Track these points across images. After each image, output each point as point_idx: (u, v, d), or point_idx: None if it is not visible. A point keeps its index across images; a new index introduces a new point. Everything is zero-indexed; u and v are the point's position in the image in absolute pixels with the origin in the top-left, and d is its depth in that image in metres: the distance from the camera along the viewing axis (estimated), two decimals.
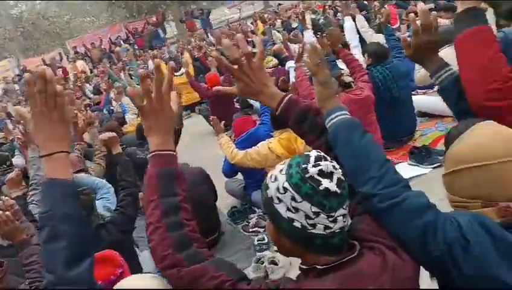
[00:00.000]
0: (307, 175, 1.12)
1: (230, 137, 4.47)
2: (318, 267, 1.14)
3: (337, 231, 1.15)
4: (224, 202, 4.42)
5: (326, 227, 1.13)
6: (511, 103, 1.30)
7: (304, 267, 1.19)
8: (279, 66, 7.08)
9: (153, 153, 1.28)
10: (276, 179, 1.17)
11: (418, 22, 1.59)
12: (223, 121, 4.23)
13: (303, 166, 1.14)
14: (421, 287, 1.21)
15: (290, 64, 6.07)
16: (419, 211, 1.18)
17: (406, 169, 4.08)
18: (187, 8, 26.34)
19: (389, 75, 4.33)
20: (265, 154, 3.57)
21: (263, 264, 3.03)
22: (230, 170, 4.23)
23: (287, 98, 1.47)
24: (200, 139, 7.25)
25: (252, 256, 3.29)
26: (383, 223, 1.22)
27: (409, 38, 1.67)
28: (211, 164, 4.43)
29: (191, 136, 7.31)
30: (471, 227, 1.13)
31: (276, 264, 3.00)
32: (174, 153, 1.30)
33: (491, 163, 1.18)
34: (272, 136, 3.78)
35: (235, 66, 1.43)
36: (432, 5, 5.59)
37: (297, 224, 1.13)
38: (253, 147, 3.71)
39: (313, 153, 1.18)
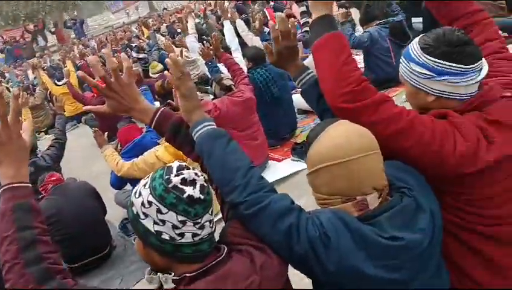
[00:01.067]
0: (170, 185, 1.13)
1: (116, 147, 4.37)
2: (188, 275, 1.16)
3: (206, 237, 1.17)
4: (116, 214, 4.31)
5: (194, 234, 1.15)
6: (364, 104, 1.38)
7: (175, 278, 1.18)
8: (165, 72, 7.02)
9: (6, 187, 1.21)
10: (140, 194, 1.17)
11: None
12: (106, 132, 4.12)
13: (166, 177, 1.15)
14: None
15: None
16: (283, 213, 1.23)
17: (290, 165, 4.29)
18: (69, 13, 25.23)
19: (269, 77, 4.52)
20: (153, 163, 3.54)
21: (156, 275, 3.00)
22: (118, 181, 4.12)
23: (159, 111, 1.46)
24: (91, 150, 6.95)
25: (146, 267, 3.22)
26: (251, 227, 1.27)
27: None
28: (102, 175, 4.30)
29: (81, 148, 7.03)
30: (332, 224, 1.21)
31: (170, 273, 2.98)
32: (29, 185, 1.24)
33: (346, 160, 1.25)
34: (158, 144, 3.76)
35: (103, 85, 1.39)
36: (304, 8, 5.88)
37: (165, 236, 1.13)
38: (140, 157, 3.67)
39: (175, 164, 1.20)
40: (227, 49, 5.35)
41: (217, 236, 1.28)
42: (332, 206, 1.31)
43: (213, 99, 4.49)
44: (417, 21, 5.67)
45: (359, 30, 5.71)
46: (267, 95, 4.51)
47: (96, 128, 4.16)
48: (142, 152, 3.71)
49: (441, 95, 1.42)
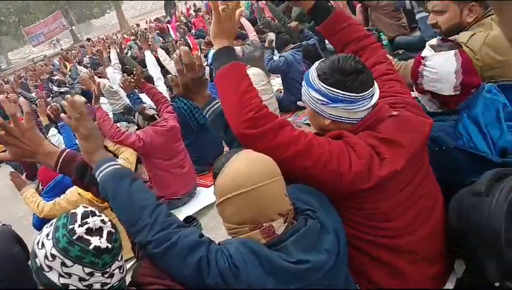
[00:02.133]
0: (74, 237, 1.11)
1: (38, 187, 4.19)
2: None
3: (116, 284, 1.17)
4: None
5: (103, 284, 1.13)
6: (264, 129, 1.43)
7: None
8: (88, 104, 6.87)
9: None
10: (43, 245, 1.14)
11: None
12: (25, 173, 3.96)
13: (70, 227, 1.13)
14: None
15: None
16: (192, 248, 1.24)
17: None
18: None
19: (193, 104, 4.52)
20: (76, 201, 3.42)
21: None
22: (41, 222, 3.93)
23: (63, 154, 1.45)
24: (14, 191, 6.58)
25: None
26: (161, 265, 1.27)
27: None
28: (27, 217, 4.08)
29: (3, 189, 6.58)
30: (240, 253, 1.24)
31: None
32: None
33: (250, 189, 1.28)
34: None
35: (2, 131, 1.36)
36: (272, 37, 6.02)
37: (72, 288, 1.11)
38: (62, 195, 3.54)
39: (80, 210, 1.18)
40: (150, 79, 5.33)
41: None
42: (241, 235, 1.34)
43: (137, 129, 4.45)
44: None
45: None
46: (192, 122, 4.53)
47: (13, 170, 3.98)
48: (64, 191, 3.59)
49: (336, 119, 1.51)
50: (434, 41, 1.80)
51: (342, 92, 1.45)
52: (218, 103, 1.71)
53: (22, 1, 27.25)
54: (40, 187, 4.11)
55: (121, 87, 4.91)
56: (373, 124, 1.50)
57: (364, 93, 1.46)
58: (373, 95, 1.49)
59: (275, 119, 1.46)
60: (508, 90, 1.78)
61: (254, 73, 4.86)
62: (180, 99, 4.58)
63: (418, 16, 4.32)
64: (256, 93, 1.52)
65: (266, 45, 5.45)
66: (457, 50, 1.71)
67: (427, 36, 3.85)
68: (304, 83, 1.58)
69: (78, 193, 3.46)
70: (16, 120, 1.36)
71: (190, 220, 4.07)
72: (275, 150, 1.40)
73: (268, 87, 5.15)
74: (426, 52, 1.77)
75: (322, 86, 1.48)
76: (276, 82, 6.10)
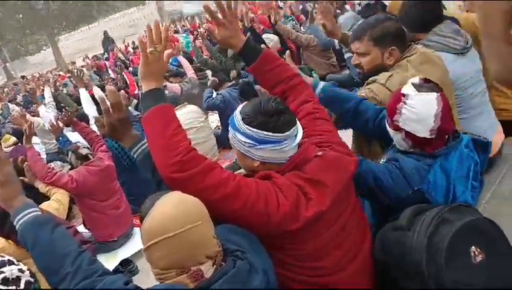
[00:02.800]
0: None
1: None
2: None
3: None
4: None
5: None
6: (192, 172, 1.42)
7: None
8: (19, 144, 6.61)
9: None
10: None
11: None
12: None
13: None
14: None
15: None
16: None
17: None
18: None
19: None
20: (3, 247, 3.25)
21: None
22: None
23: None
24: None
25: None
26: None
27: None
28: None
29: None
30: None
31: None
32: None
33: (177, 233, 1.25)
34: None
35: None
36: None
37: None
38: None
39: None
40: (85, 117, 5.23)
41: None
42: (168, 281, 1.30)
43: (70, 169, 4.32)
44: None
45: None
46: (125, 161, 4.45)
47: None
48: None
49: (264, 160, 1.54)
50: (416, 79, 1.78)
51: (266, 132, 1.49)
52: (145, 143, 1.69)
53: None
54: None
55: (50, 130, 4.76)
56: (300, 164, 1.54)
57: (288, 132, 1.50)
58: (297, 134, 1.54)
59: (203, 162, 1.46)
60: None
61: (191, 110, 4.89)
62: None
63: (345, 56, 4.57)
64: (184, 135, 1.52)
65: (209, 85, 5.50)
66: (439, 93, 1.72)
67: (354, 74, 4.05)
68: (230, 127, 1.60)
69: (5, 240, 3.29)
70: None
71: (126, 263, 3.97)
72: (203, 192, 1.40)
73: (205, 124, 5.18)
74: (408, 90, 1.75)
75: (247, 128, 1.51)
76: (215, 118, 6.16)
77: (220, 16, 1.82)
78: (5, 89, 15.12)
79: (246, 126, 1.51)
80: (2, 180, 1.34)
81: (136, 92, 7.60)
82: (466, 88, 2.47)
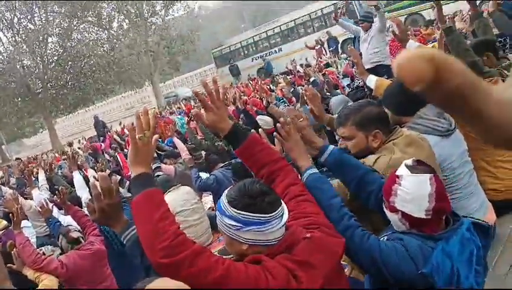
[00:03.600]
0: None
1: None
2: None
3: None
4: None
5: None
6: (181, 257, 1.41)
7: None
8: (10, 228, 6.51)
9: None
10: None
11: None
12: None
13: None
14: None
15: None
16: None
17: None
18: None
19: None
20: None
21: None
22: None
23: None
24: None
25: None
26: None
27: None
28: None
29: None
30: None
31: None
32: None
33: None
34: None
35: None
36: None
37: None
38: None
39: None
40: (78, 200, 5.22)
41: None
42: None
43: (61, 254, 4.24)
44: None
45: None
46: (116, 245, 4.37)
47: None
48: None
49: (252, 243, 1.55)
50: (410, 161, 1.84)
51: (252, 214, 1.52)
52: (135, 229, 1.70)
53: None
54: None
55: (39, 212, 4.73)
56: (289, 247, 1.55)
57: (273, 213, 1.53)
58: (282, 214, 1.57)
59: (192, 247, 1.46)
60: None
61: (185, 192, 4.86)
62: None
63: (337, 137, 4.70)
64: (172, 220, 1.53)
65: (187, 162, 5.52)
66: (432, 175, 1.77)
67: None
68: (217, 212, 1.63)
69: None
70: None
71: None
72: (192, 277, 1.40)
73: (199, 205, 5.11)
74: (402, 171, 1.81)
75: (233, 211, 1.54)
76: (209, 199, 6.14)
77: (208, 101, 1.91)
78: None
79: (232, 209, 1.54)
80: None
81: (129, 173, 7.60)
82: (453, 169, 2.53)
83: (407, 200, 1.76)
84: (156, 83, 30.14)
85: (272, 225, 1.53)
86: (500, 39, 4.59)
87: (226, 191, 1.62)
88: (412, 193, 1.75)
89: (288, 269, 1.48)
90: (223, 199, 1.59)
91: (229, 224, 1.55)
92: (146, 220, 1.51)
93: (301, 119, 2.21)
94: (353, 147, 2.38)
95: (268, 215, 1.52)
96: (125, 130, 15.19)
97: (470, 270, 1.73)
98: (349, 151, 2.39)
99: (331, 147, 2.15)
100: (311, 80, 8.73)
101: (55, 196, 4.79)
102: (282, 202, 1.61)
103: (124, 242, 1.73)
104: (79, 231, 4.18)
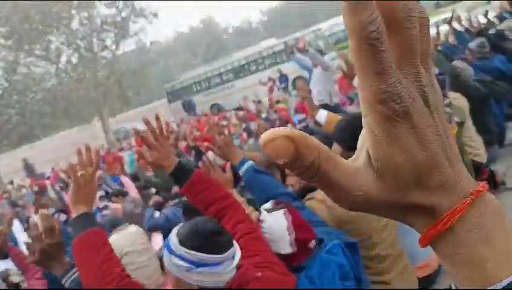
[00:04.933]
0: None
1: None
2: None
3: None
4: None
5: None
6: None
7: None
8: None
9: None
10: None
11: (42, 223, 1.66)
12: None
13: None
14: None
15: None
16: None
17: None
18: None
19: None
20: None
21: None
22: None
23: None
24: None
25: None
26: None
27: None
28: None
29: None
30: None
31: None
32: None
33: None
34: None
35: None
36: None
37: None
38: None
39: None
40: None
41: None
42: None
43: None
44: None
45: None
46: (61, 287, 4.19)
47: None
48: None
49: (202, 285, 1.50)
50: (268, 205, 1.94)
51: (204, 254, 1.47)
52: (77, 271, 1.63)
53: None
54: None
55: None
56: (239, 286, 1.53)
57: (226, 253, 1.50)
58: (234, 255, 1.54)
59: (139, 288, 1.46)
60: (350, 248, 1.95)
61: (133, 232, 4.74)
62: None
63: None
64: (116, 261, 1.51)
65: (151, 204, 5.44)
66: (286, 209, 1.85)
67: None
68: (165, 251, 1.58)
69: None
70: None
71: None
72: None
73: (148, 246, 4.98)
74: (262, 215, 1.91)
75: (184, 251, 1.49)
76: (159, 239, 6.00)
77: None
78: None
79: (183, 248, 1.49)
80: None
81: None
82: None
83: (273, 240, 1.84)
84: (105, 118, 29.52)
85: (224, 266, 1.50)
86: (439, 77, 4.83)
87: (175, 230, 1.58)
88: (273, 231, 1.83)
89: None
90: (173, 238, 1.53)
91: (179, 264, 1.50)
92: (88, 263, 1.48)
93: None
94: (296, 184, 2.45)
95: (221, 255, 1.49)
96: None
97: (336, 287, 1.79)
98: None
99: (248, 163, 2.28)
100: (263, 116, 8.83)
101: None
102: (234, 242, 1.60)
103: (66, 285, 1.65)
104: (20, 275, 3.95)
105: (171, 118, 23.30)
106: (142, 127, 1.68)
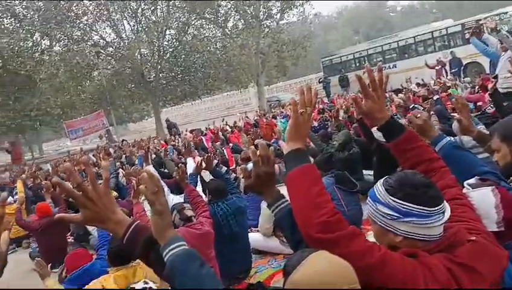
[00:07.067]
0: None
1: (61, 274, 4.07)
2: None
3: None
4: None
5: None
6: (338, 235, 1.40)
7: None
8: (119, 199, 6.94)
9: None
10: None
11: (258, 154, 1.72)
12: (50, 264, 3.85)
13: None
14: None
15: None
16: None
17: None
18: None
19: (229, 211, 4.50)
20: None
21: None
22: None
23: (134, 225, 1.42)
24: (30, 279, 5.95)
25: None
26: None
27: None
28: None
29: (20, 276, 6.29)
30: None
31: None
32: None
33: (336, 288, 1.22)
34: (107, 273, 3.54)
35: (79, 192, 1.34)
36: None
37: None
38: (86, 286, 3.41)
39: (139, 286, 1.14)
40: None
41: None
42: None
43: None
44: (368, 173, 6.01)
45: None
46: (226, 229, 4.44)
47: (39, 258, 3.89)
48: (90, 280, 3.44)
49: (408, 235, 1.46)
50: (473, 180, 1.85)
51: (413, 205, 1.42)
52: (286, 201, 1.70)
53: (69, 96, 28.83)
54: (64, 274, 3.99)
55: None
56: (449, 246, 1.44)
57: (436, 208, 1.43)
58: (444, 211, 1.46)
59: (348, 227, 1.44)
60: None
61: None
62: (217, 204, 4.53)
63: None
64: (328, 198, 1.51)
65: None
66: (494, 186, 1.75)
67: None
68: (369, 200, 1.56)
69: (102, 286, 3.31)
70: (94, 183, 1.36)
71: None
72: (347, 258, 1.33)
73: None
74: (464, 190, 1.80)
75: (391, 199, 1.46)
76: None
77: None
78: (111, 149, 16.21)
79: (390, 197, 1.46)
80: (160, 209, 1.37)
81: (233, 167, 7.82)
82: None
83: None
84: (261, 85, 30.62)
85: (432, 220, 1.43)
86: None
87: (381, 180, 1.55)
88: (479, 207, 1.70)
89: (449, 270, 1.37)
90: (379, 187, 1.51)
91: (385, 213, 1.47)
92: (303, 194, 1.51)
93: (418, 115, 2.25)
94: (499, 159, 2.27)
95: (430, 209, 1.42)
96: (227, 127, 15.62)
97: None
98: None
99: (444, 140, 2.16)
100: (435, 98, 8.30)
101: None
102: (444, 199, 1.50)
103: (273, 213, 1.73)
104: (191, 209, 4.26)
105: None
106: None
